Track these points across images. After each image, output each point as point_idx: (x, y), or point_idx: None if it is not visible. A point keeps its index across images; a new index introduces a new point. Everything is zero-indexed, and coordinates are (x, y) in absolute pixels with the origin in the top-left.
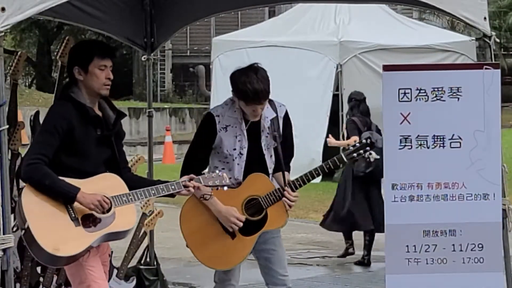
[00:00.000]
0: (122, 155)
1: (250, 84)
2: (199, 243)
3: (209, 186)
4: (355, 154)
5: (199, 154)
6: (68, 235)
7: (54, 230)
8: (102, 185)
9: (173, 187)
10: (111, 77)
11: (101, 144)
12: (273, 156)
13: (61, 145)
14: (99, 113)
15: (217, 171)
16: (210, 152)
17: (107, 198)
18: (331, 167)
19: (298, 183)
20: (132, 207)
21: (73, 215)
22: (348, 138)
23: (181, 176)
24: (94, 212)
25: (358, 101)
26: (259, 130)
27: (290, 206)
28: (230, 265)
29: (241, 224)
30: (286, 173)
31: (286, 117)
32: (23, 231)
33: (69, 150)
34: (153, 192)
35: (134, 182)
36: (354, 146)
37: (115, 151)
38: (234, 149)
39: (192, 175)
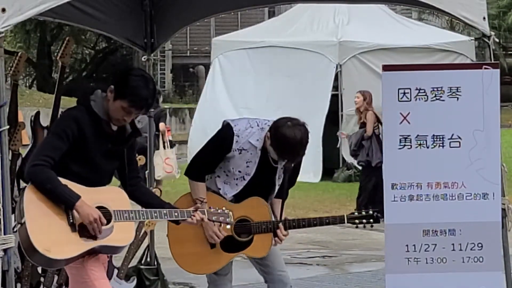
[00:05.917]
0: (133, 164)
1: (292, 147)
2: (179, 239)
3: (213, 221)
4: (357, 221)
5: (209, 161)
6: (62, 238)
7: (50, 231)
8: (107, 197)
9: (176, 214)
10: (128, 121)
11: (110, 157)
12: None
13: (69, 150)
14: (115, 127)
15: (224, 208)
16: (220, 162)
17: (106, 213)
18: (330, 223)
19: (294, 224)
20: (132, 225)
21: (71, 220)
22: None
23: (185, 173)
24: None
25: None
26: (277, 164)
27: (276, 244)
28: (197, 272)
29: (217, 239)
30: (282, 202)
31: None
32: (19, 225)
33: (77, 157)
34: (155, 215)
35: (143, 195)
36: (360, 212)
37: (124, 164)
38: (239, 172)
39: (198, 205)
